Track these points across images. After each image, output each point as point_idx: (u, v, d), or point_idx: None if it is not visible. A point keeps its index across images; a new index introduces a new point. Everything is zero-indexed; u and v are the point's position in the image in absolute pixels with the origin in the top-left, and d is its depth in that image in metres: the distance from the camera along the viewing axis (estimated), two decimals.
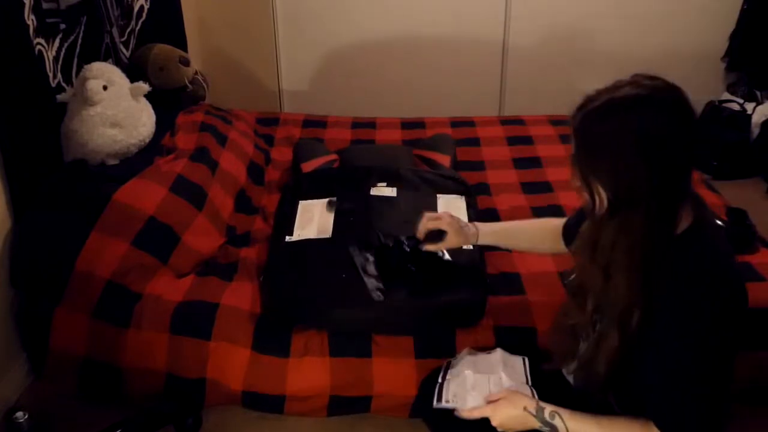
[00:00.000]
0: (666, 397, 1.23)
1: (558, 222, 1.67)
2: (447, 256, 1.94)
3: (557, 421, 1.32)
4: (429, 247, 1.82)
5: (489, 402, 1.40)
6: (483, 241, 1.79)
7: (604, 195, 1.20)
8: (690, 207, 1.24)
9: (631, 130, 1.15)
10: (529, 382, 1.48)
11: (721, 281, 1.20)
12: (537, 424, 1.34)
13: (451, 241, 1.77)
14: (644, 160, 1.14)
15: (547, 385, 1.45)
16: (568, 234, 1.58)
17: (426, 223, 1.79)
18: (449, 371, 1.56)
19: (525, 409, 1.34)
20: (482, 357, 1.58)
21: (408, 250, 1.87)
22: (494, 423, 1.37)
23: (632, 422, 1.28)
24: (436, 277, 1.91)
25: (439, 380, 1.53)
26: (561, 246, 1.63)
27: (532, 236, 1.77)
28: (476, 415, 1.39)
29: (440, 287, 1.90)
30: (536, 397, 1.41)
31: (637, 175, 1.15)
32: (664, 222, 1.20)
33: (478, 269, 2.01)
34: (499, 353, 1.57)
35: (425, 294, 1.89)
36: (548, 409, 1.34)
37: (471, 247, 2.06)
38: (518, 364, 1.56)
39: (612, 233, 1.22)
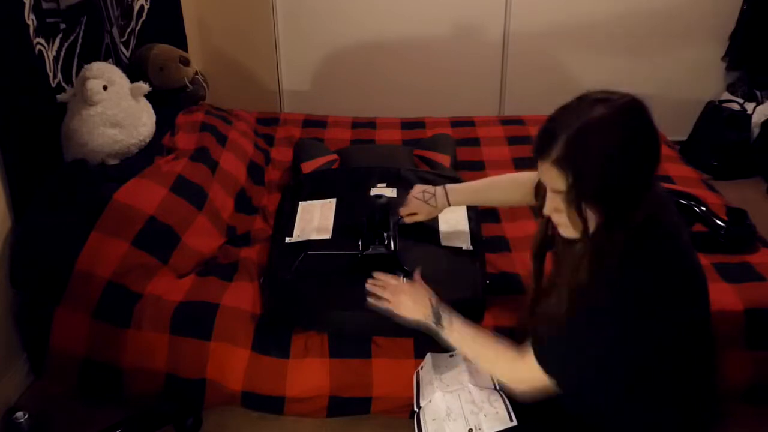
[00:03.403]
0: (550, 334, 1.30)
1: (528, 176, 1.71)
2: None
3: (445, 315, 1.50)
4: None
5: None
6: (456, 203, 1.96)
7: (593, 217, 1.23)
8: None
9: (614, 148, 1.18)
10: (497, 386, 1.49)
11: (644, 269, 1.22)
12: (428, 312, 1.52)
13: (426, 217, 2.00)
14: (629, 173, 1.19)
15: None
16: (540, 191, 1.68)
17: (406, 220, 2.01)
18: (421, 393, 1.57)
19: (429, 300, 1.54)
20: (446, 364, 1.60)
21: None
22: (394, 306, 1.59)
23: (507, 349, 1.37)
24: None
25: (415, 408, 1.56)
26: (532, 199, 1.69)
27: (504, 189, 1.87)
28: None
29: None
30: (509, 406, 1.43)
31: (625, 188, 1.20)
32: (620, 237, 1.22)
33: (477, 269, 2.01)
34: (460, 356, 1.58)
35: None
36: (443, 306, 1.52)
37: (471, 247, 2.07)
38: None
39: (568, 247, 1.28)
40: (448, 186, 1.98)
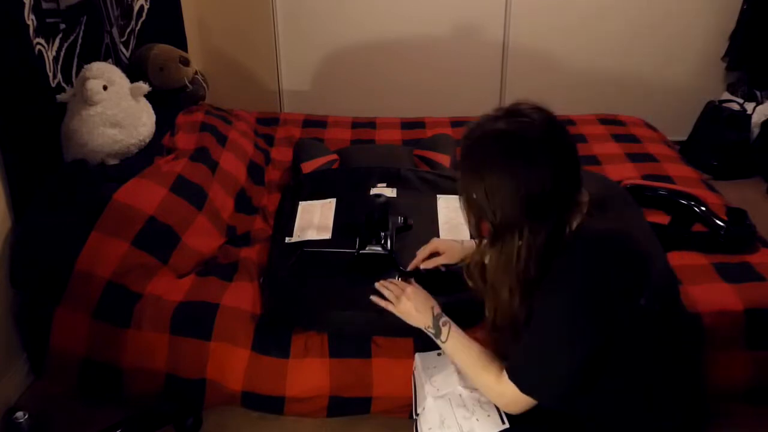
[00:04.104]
0: (520, 348, 1.33)
1: None
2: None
3: (444, 329, 1.51)
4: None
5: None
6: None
7: (484, 220, 1.31)
8: (583, 214, 1.29)
9: (502, 163, 1.24)
10: None
11: (588, 273, 1.24)
12: (429, 323, 1.55)
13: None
14: (512, 190, 1.23)
15: None
16: None
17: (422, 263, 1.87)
18: (417, 398, 1.58)
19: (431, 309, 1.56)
20: (435, 364, 1.61)
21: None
22: (397, 310, 1.62)
23: (493, 361, 1.40)
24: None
25: (414, 416, 1.58)
26: None
27: None
28: None
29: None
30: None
31: (509, 204, 1.24)
32: (541, 241, 1.26)
33: None
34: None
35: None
36: (444, 318, 1.54)
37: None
38: None
39: (494, 257, 1.32)
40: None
